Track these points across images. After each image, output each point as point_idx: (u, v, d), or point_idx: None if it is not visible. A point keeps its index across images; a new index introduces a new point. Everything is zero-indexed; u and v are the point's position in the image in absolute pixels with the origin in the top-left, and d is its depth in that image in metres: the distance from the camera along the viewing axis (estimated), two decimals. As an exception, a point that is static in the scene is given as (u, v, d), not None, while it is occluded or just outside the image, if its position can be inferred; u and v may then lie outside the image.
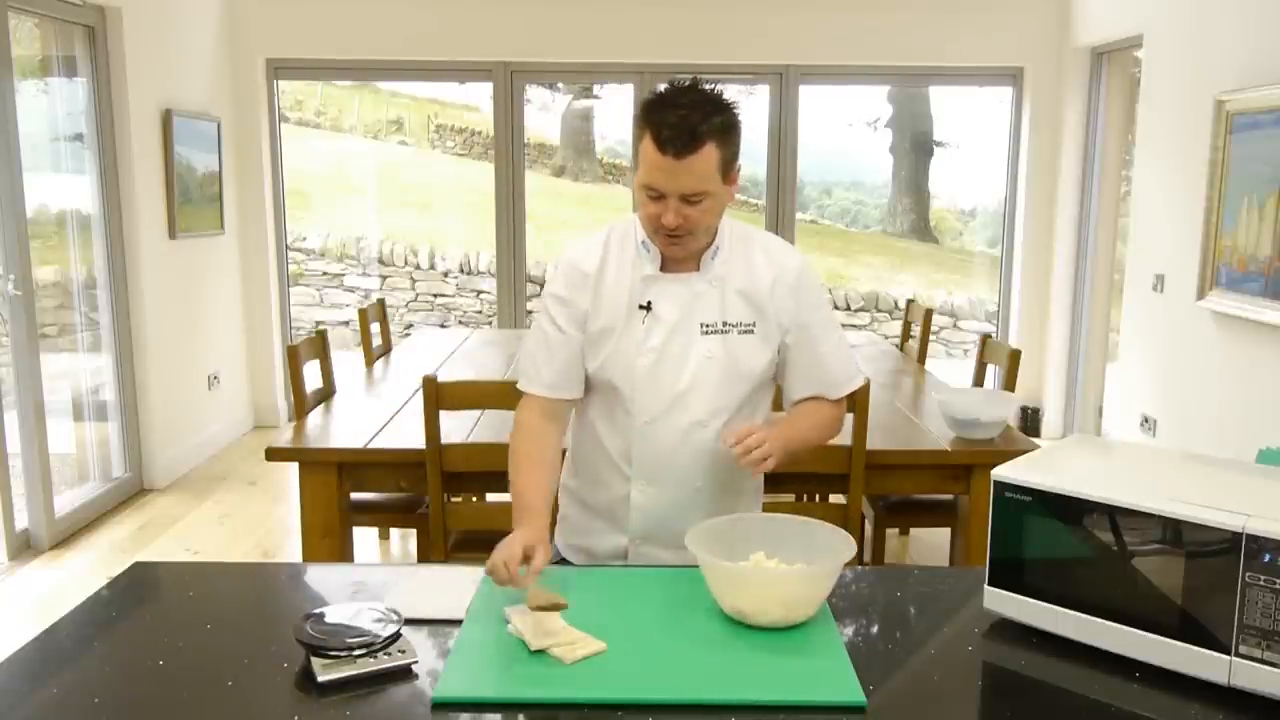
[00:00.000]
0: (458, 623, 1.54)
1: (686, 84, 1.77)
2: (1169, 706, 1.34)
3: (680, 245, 1.81)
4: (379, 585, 1.70)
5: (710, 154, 1.72)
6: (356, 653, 1.39)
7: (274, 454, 2.86)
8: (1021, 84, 6.05)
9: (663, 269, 1.87)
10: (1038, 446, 2.72)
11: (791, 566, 1.58)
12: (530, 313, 6.29)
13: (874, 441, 2.86)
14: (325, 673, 1.36)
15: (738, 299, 1.87)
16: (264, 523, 4.62)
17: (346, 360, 4.52)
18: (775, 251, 1.91)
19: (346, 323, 8.82)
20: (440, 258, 9.27)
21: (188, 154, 5.32)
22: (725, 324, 1.86)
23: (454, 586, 1.68)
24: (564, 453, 2.00)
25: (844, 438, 2.89)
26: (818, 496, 3.59)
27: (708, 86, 1.78)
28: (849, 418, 2.81)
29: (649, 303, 1.85)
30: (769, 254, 1.90)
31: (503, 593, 1.64)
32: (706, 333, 1.86)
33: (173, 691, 1.36)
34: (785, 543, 1.64)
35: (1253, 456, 3.45)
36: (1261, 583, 1.30)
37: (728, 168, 1.77)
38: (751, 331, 1.87)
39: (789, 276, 1.89)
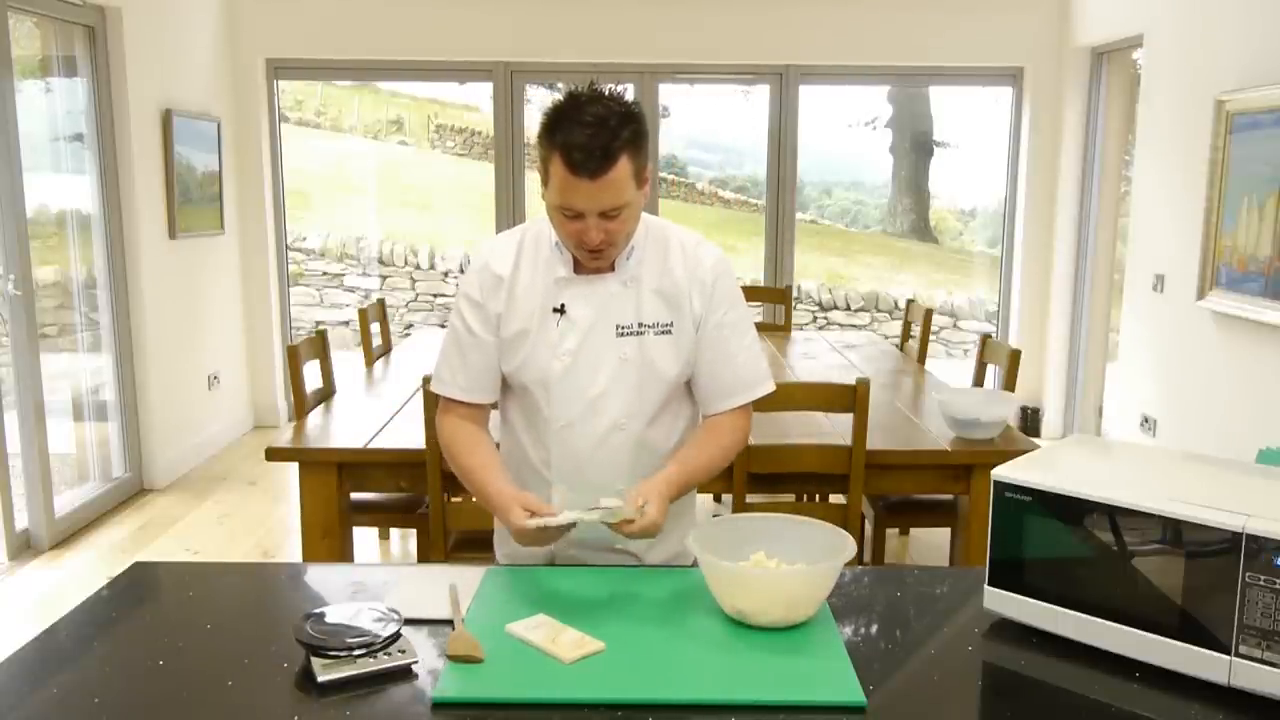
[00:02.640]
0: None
1: (586, 95, 1.70)
2: (1169, 706, 1.34)
3: (603, 257, 1.77)
4: (379, 585, 1.70)
5: (624, 167, 1.67)
6: (356, 653, 1.39)
7: (274, 454, 2.86)
8: (1021, 84, 6.05)
9: (576, 270, 1.83)
10: (1038, 446, 2.72)
11: (791, 566, 1.58)
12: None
13: (874, 441, 2.86)
14: (325, 673, 1.36)
15: (654, 299, 1.83)
16: (264, 523, 4.62)
17: (346, 360, 4.52)
18: (691, 248, 1.86)
19: (346, 323, 8.82)
20: (440, 258, 9.27)
21: (188, 154, 5.32)
22: (641, 325, 1.82)
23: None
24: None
25: (844, 438, 2.90)
26: (818, 496, 3.59)
27: (607, 90, 1.71)
28: (848, 418, 2.82)
29: (562, 305, 1.82)
30: (685, 251, 1.85)
31: (503, 594, 1.65)
32: (622, 335, 1.82)
33: (173, 691, 1.36)
34: (785, 543, 1.64)
35: (1253, 456, 3.45)
36: (1261, 583, 1.30)
37: (640, 174, 1.72)
38: (669, 332, 1.83)
39: (703, 273, 1.84)
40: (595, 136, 1.64)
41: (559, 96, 1.73)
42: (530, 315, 1.83)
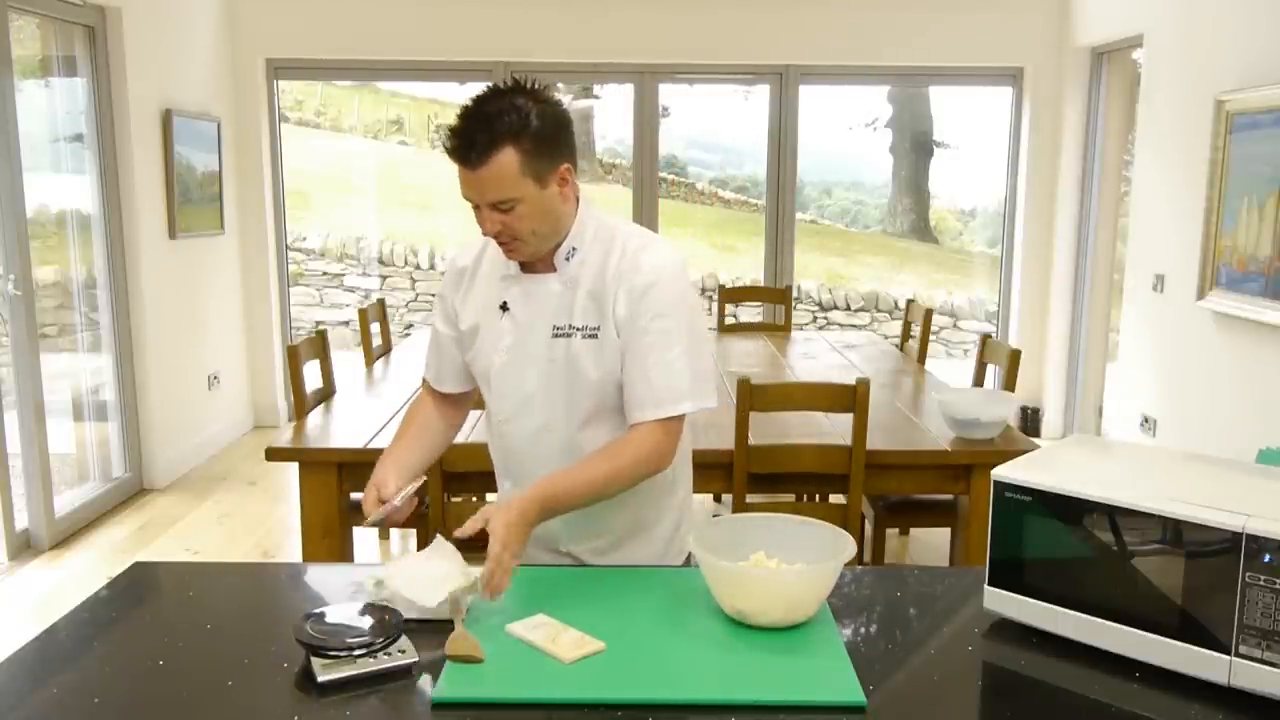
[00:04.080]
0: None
1: (498, 90, 1.70)
2: (1169, 706, 1.34)
3: (514, 250, 1.76)
4: (379, 585, 1.70)
5: (506, 160, 1.64)
6: (356, 653, 1.39)
7: (274, 454, 2.86)
8: (1021, 84, 6.05)
9: (524, 270, 1.83)
10: (1038, 446, 2.72)
11: (791, 566, 1.58)
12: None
13: (874, 441, 2.86)
14: (325, 673, 1.36)
15: (587, 300, 1.80)
16: (264, 523, 4.62)
17: (346, 360, 4.53)
18: (633, 252, 1.78)
19: (346, 323, 8.82)
20: (440, 258, 9.27)
21: (188, 154, 5.32)
22: (572, 327, 1.80)
23: (443, 573, 1.62)
24: (450, 436, 2.05)
25: (844, 438, 2.90)
26: (818, 496, 3.59)
27: (530, 85, 1.70)
28: (848, 418, 2.82)
29: (505, 303, 1.84)
30: (625, 254, 1.79)
31: (504, 597, 1.65)
32: (557, 335, 1.80)
33: (173, 691, 1.36)
34: (785, 543, 1.64)
35: (1253, 456, 3.45)
36: (1261, 583, 1.30)
37: (540, 170, 1.68)
38: (595, 335, 1.79)
39: (636, 279, 1.76)
40: (472, 127, 1.65)
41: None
42: (482, 310, 1.87)
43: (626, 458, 1.76)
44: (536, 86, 1.72)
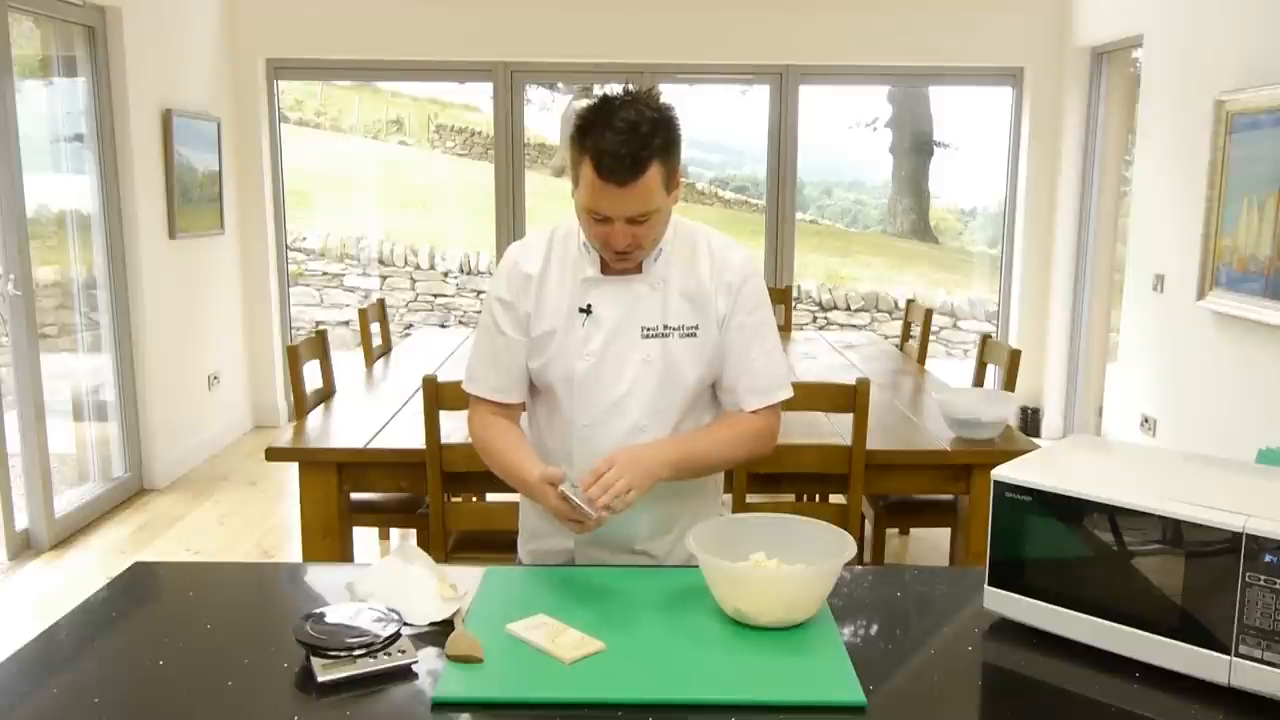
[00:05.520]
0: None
1: (620, 99, 1.69)
2: (1169, 706, 1.34)
3: (630, 259, 1.77)
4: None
5: (654, 174, 1.67)
6: (356, 653, 1.39)
7: (274, 454, 2.86)
8: (1021, 84, 6.05)
9: (604, 271, 1.82)
10: (1038, 446, 2.72)
11: (791, 566, 1.58)
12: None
13: (874, 441, 2.86)
14: (325, 673, 1.36)
15: (681, 301, 1.82)
16: (264, 523, 4.62)
17: (346, 360, 4.53)
18: (719, 250, 1.85)
19: (346, 323, 8.82)
20: (440, 258, 9.27)
21: (188, 154, 5.32)
22: (666, 327, 1.82)
23: (425, 586, 1.62)
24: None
25: (844, 438, 2.90)
26: (818, 496, 3.59)
27: (642, 93, 1.71)
28: (849, 418, 2.82)
29: (589, 305, 1.82)
30: (713, 253, 1.85)
31: (503, 594, 1.65)
32: (647, 336, 1.81)
33: (173, 692, 1.36)
34: (785, 543, 1.64)
35: (1253, 456, 3.45)
36: (1261, 583, 1.30)
37: (670, 180, 1.73)
38: (694, 334, 1.82)
39: (730, 275, 1.83)
40: (626, 143, 1.64)
41: (592, 99, 1.72)
42: (558, 315, 1.83)
43: (745, 430, 1.86)
44: (653, 93, 1.72)
